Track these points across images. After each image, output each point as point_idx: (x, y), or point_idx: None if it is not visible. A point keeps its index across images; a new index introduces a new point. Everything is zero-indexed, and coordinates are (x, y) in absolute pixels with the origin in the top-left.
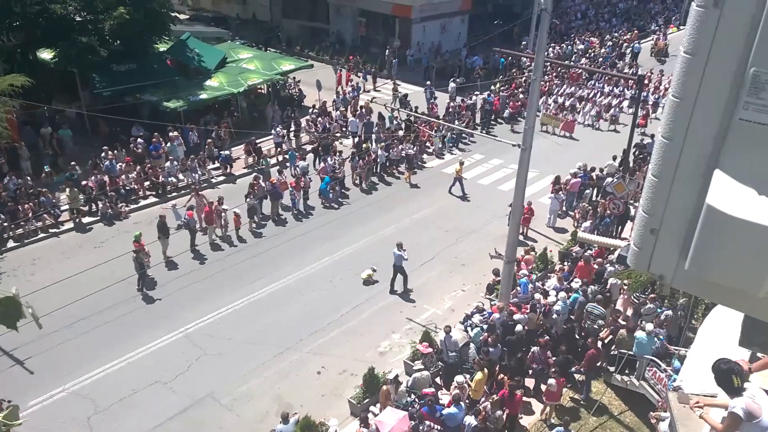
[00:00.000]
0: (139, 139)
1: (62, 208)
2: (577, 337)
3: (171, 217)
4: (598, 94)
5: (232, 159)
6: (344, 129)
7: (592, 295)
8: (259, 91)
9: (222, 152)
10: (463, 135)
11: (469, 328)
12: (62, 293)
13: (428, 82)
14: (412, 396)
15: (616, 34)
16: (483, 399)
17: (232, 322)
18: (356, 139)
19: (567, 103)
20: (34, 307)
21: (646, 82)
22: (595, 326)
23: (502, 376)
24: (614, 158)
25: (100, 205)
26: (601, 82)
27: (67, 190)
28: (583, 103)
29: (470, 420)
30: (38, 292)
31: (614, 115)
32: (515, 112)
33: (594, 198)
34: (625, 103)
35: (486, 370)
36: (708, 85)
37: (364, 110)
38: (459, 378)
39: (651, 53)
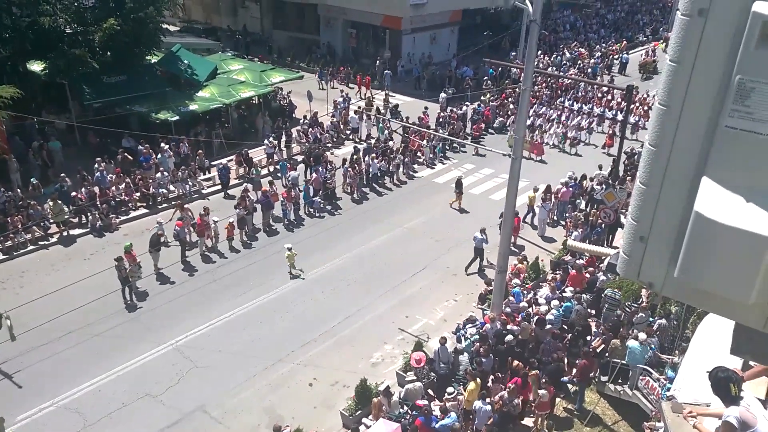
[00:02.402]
0: (126, 152)
1: (51, 220)
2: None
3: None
4: (567, 114)
5: (229, 171)
6: (335, 139)
7: (587, 304)
8: (251, 102)
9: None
10: (455, 144)
11: (462, 338)
12: (51, 306)
13: (378, 111)
14: (405, 407)
15: (604, 45)
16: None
17: (222, 333)
18: (358, 135)
19: (537, 123)
20: (12, 318)
21: (619, 99)
22: (614, 315)
23: (517, 363)
24: (600, 167)
25: (90, 217)
26: (569, 99)
27: (51, 203)
28: (550, 123)
29: (482, 406)
30: (27, 305)
31: (576, 136)
32: (479, 135)
33: (584, 207)
34: (594, 121)
35: (478, 380)
36: (694, 93)
37: (364, 109)
38: (450, 389)
39: (639, 70)
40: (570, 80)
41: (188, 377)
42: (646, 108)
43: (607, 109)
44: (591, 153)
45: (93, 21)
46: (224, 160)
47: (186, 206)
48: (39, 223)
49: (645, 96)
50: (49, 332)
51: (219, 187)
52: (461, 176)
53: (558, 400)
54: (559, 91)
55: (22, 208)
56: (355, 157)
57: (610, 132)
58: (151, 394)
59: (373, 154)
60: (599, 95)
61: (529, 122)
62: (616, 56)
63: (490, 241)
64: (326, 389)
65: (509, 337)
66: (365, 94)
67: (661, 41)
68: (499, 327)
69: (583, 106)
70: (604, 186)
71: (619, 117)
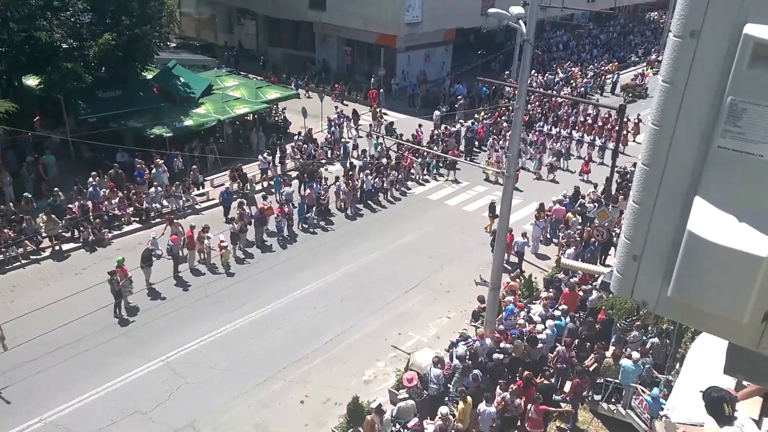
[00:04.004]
0: (120, 167)
1: (43, 234)
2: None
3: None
4: (543, 139)
5: (231, 196)
6: (330, 155)
7: (580, 322)
8: (245, 117)
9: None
10: (448, 161)
11: (455, 356)
12: (41, 321)
13: (350, 134)
14: (397, 425)
15: (596, 65)
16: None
17: (214, 349)
18: (353, 150)
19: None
20: (2, 330)
21: (600, 123)
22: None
23: (527, 373)
24: (595, 186)
25: (83, 231)
26: (549, 124)
27: (43, 216)
28: (525, 147)
29: (487, 408)
30: (17, 320)
31: (552, 162)
32: (454, 160)
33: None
34: (573, 145)
35: (470, 399)
36: (686, 113)
37: (360, 127)
38: (443, 409)
39: (625, 92)
40: (563, 99)
41: (179, 394)
42: (625, 132)
43: (586, 134)
44: (567, 179)
45: (89, 36)
46: (225, 184)
47: (176, 221)
48: (31, 238)
49: (626, 119)
50: (39, 347)
51: (213, 202)
52: (494, 200)
53: (551, 419)
54: (546, 114)
55: (14, 222)
56: (350, 173)
57: (587, 158)
58: (141, 411)
59: (368, 171)
60: (581, 119)
61: (507, 146)
62: (609, 76)
63: (483, 258)
64: (318, 406)
65: (496, 355)
66: (373, 109)
67: (646, 65)
68: (487, 344)
69: (562, 130)
70: (596, 204)
71: (598, 142)
